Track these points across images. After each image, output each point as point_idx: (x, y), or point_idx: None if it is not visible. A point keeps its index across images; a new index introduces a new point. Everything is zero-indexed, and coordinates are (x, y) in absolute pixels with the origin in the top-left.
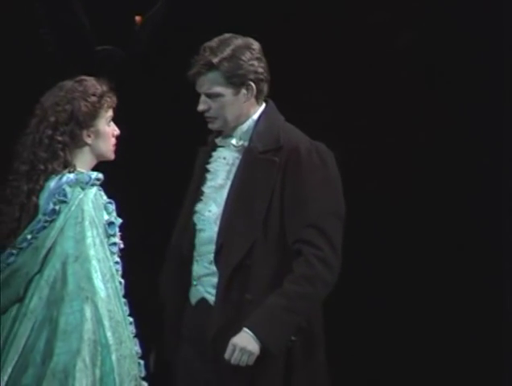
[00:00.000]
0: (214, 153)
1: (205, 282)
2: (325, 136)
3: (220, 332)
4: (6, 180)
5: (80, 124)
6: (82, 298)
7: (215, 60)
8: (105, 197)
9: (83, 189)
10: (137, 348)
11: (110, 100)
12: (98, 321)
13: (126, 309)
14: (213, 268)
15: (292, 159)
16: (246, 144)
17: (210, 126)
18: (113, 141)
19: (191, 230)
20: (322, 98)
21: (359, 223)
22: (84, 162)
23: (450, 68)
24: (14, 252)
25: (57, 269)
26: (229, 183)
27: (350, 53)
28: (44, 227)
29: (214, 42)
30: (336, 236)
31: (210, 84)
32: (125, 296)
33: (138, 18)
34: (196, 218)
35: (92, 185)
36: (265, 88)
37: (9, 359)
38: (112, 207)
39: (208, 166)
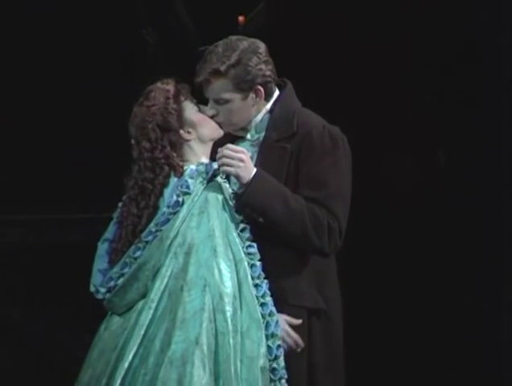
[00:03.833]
0: None
1: None
2: None
3: None
4: (120, 199)
5: (173, 130)
6: (200, 287)
7: (222, 68)
8: (227, 185)
9: (204, 179)
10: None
11: (184, 90)
12: (217, 309)
13: (261, 290)
14: None
15: (305, 145)
16: (262, 136)
17: (223, 129)
18: (211, 120)
19: None
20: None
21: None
22: (198, 153)
23: None
24: (141, 246)
25: (179, 260)
26: None
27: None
28: (168, 220)
29: (220, 47)
30: (343, 219)
31: (218, 91)
32: (259, 277)
33: (241, 18)
34: None
35: (214, 175)
36: (273, 88)
37: (130, 348)
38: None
39: None
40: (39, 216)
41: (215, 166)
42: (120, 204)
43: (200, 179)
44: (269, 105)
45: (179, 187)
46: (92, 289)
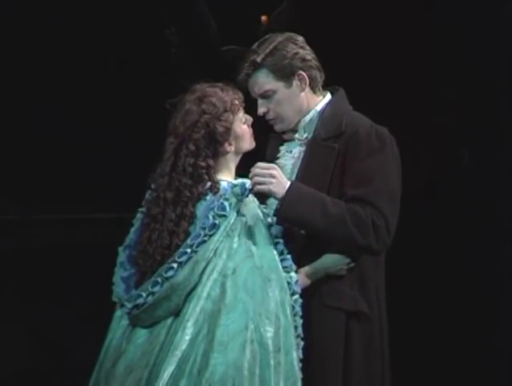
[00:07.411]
0: (282, 148)
1: None
2: None
3: None
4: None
5: (220, 142)
6: (239, 309)
7: (259, 58)
8: (257, 202)
9: (239, 200)
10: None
11: (239, 102)
12: (257, 329)
13: (294, 310)
14: None
15: (352, 143)
16: (311, 136)
17: (276, 128)
18: (250, 132)
19: None
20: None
21: None
22: (230, 165)
23: None
24: (174, 266)
25: (216, 282)
26: (293, 177)
27: None
28: (204, 241)
29: (255, 44)
30: (390, 216)
31: (260, 83)
32: (293, 294)
33: (263, 17)
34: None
35: (248, 194)
36: (318, 75)
37: (164, 367)
38: (266, 210)
39: (277, 161)
40: (74, 216)
41: (247, 184)
42: (143, 208)
43: (235, 200)
44: (319, 107)
45: (216, 209)
46: (115, 299)
